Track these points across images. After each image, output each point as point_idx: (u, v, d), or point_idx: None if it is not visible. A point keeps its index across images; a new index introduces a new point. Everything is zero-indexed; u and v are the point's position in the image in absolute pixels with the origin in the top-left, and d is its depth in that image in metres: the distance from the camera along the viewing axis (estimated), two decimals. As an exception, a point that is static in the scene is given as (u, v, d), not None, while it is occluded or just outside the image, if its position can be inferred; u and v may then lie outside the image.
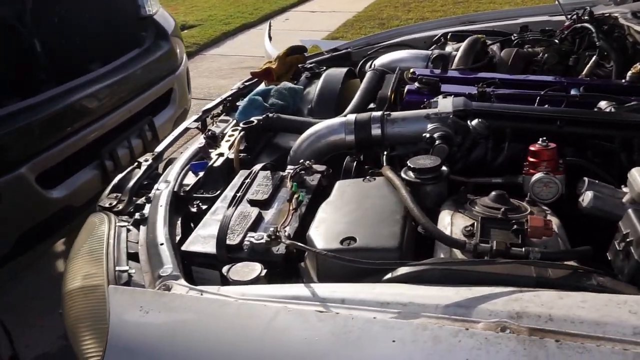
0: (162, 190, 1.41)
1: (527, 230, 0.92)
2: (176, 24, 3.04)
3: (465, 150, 1.32)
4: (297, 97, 1.90)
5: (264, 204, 1.24)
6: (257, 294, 0.91)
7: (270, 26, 4.07)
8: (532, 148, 1.16)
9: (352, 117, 1.44)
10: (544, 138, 1.16)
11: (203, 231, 1.18)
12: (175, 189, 1.41)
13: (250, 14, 7.54)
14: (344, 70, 1.96)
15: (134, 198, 1.44)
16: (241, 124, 1.62)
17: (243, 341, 0.79)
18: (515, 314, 0.74)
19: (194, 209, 1.35)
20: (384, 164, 1.39)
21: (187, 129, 1.89)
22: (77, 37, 2.81)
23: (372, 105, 1.74)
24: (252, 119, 1.64)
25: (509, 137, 1.29)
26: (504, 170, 1.29)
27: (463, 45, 1.91)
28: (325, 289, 0.87)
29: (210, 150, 1.63)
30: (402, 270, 0.89)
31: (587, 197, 1.04)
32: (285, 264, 1.06)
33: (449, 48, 2.21)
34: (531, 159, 1.16)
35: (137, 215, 1.31)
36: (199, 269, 1.14)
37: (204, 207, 1.35)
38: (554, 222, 0.99)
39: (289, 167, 1.36)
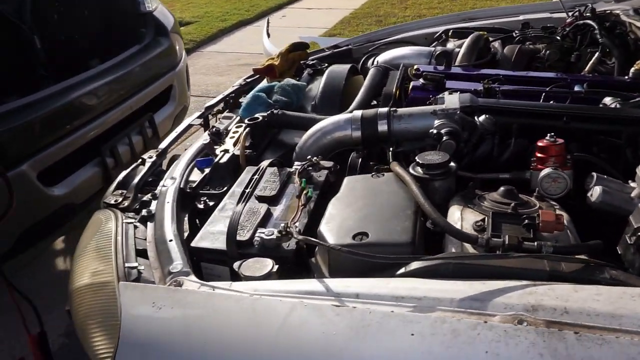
0: (169, 186, 1.40)
1: (538, 225, 0.93)
2: (175, 20, 3.02)
3: (471, 146, 1.33)
4: (301, 93, 1.89)
5: (272, 200, 1.24)
6: (271, 289, 0.91)
7: (268, 23, 4.06)
8: (540, 144, 1.17)
9: (358, 113, 1.44)
10: (552, 134, 1.16)
11: (212, 227, 1.18)
12: (181, 186, 1.40)
13: (246, 11, 7.51)
14: (347, 66, 1.95)
15: (139, 195, 1.44)
16: (246, 121, 1.61)
17: (260, 336, 0.79)
18: (531, 307, 0.74)
19: (201, 206, 1.35)
20: (390, 160, 1.40)
21: (190, 126, 1.89)
22: (77, 33, 2.79)
23: (373, 102, 1.75)
24: (256, 115, 1.64)
25: (516, 133, 1.30)
26: (510, 166, 1.30)
27: (466, 42, 1.92)
28: (339, 284, 0.87)
29: (215, 147, 1.62)
30: (416, 264, 0.89)
31: (595, 192, 1.04)
32: (296, 260, 1.07)
33: (450, 45, 2.21)
34: (539, 155, 1.17)
35: (143, 212, 1.30)
36: (208, 265, 1.14)
37: (211, 203, 1.34)
38: (564, 216, 1.00)
39: (296, 163, 1.36)
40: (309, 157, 1.34)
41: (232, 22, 7.00)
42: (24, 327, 1.38)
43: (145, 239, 1.22)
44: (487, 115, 1.29)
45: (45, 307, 2.28)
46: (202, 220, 1.38)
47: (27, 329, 1.35)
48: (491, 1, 6.94)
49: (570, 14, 2.10)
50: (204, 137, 1.71)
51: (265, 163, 1.36)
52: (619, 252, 0.94)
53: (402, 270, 0.90)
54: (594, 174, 1.07)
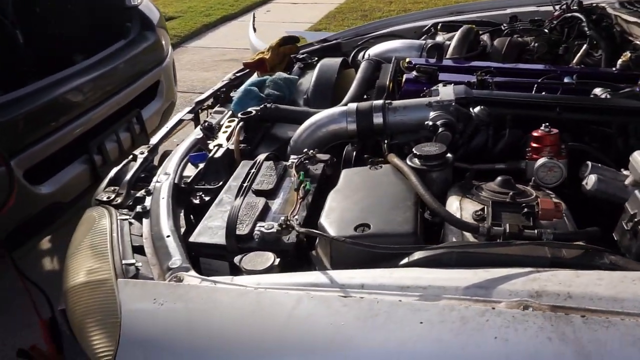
0: (163, 182, 1.38)
1: (538, 213, 0.94)
2: (161, 15, 2.98)
3: (467, 137, 1.34)
4: (293, 87, 1.89)
5: (269, 194, 1.23)
6: (274, 282, 0.90)
7: (254, 18, 4.03)
8: (535, 134, 1.19)
9: (353, 106, 1.44)
10: (547, 124, 1.18)
11: (210, 222, 1.17)
12: (176, 181, 1.39)
13: (230, 6, 7.43)
14: (339, 60, 1.95)
15: (132, 191, 1.42)
16: (239, 115, 1.60)
17: (267, 329, 0.78)
18: (535, 293, 0.75)
19: (196, 201, 1.34)
20: (386, 152, 1.40)
21: (181, 121, 1.86)
22: (61, 28, 2.72)
23: (365, 96, 1.75)
24: (249, 109, 1.63)
25: (510, 123, 1.31)
26: (504, 156, 1.32)
27: (457, 34, 1.93)
28: (343, 275, 0.87)
29: (207, 142, 1.61)
30: (419, 254, 0.90)
31: (590, 181, 1.06)
32: (296, 253, 1.06)
33: (439, 38, 2.22)
34: (534, 145, 1.19)
35: (138, 208, 1.28)
36: (207, 260, 1.13)
37: (207, 198, 1.33)
38: (562, 204, 1.01)
39: (292, 156, 1.35)
40: (305, 150, 1.33)
41: (216, 17, 6.92)
42: (36, 312, 1.36)
43: (141, 236, 1.20)
44: (481, 107, 1.30)
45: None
46: (197, 215, 1.37)
47: (39, 314, 1.34)
48: (475, -5, 6.99)
49: (557, 7, 2.12)
50: (196, 132, 1.69)
51: (261, 157, 1.35)
52: (615, 239, 0.96)
53: (405, 260, 0.91)
54: (589, 162, 1.09)
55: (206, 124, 1.69)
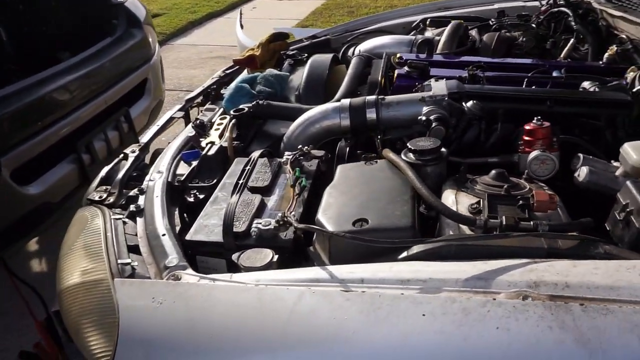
0: (156, 180, 1.37)
1: (533, 205, 0.95)
2: (147, 12, 2.94)
3: (460, 131, 1.35)
4: (284, 83, 1.88)
5: (265, 191, 1.23)
6: (273, 279, 0.90)
7: (241, 14, 4.00)
8: (527, 127, 1.20)
9: (346, 101, 1.44)
10: (539, 117, 1.20)
11: (205, 220, 1.17)
12: (169, 179, 1.37)
13: (216, 2, 7.37)
14: (330, 56, 1.95)
15: (124, 190, 1.40)
16: (232, 112, 1.59)
17: (269, 325, 0.78)
18: (533, 283, 0.77)
19: (191, 199, 1.33)
20: (379, 147, 1.41)
21: (172, 119, 1.85)
22: (45, 25, 2.67)
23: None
24: (242, 106, 1.62)
25: (502, 117, 1.33)
26: (495, 150, 1.34)
27: (447, 30, 1.94)
28: (343, 270, 0.88)
29: (200, 139, 1.59)
30: (418, 248, 0.91)
31: (582, 172, 1.08)
32: (294, 249, 1.06)
33: (428, 33, 2.24)
34: (527, 138, 1.20)
35: (132, 207, 1.27)
36: (204, 258, 1.13)
37: (201, 196, 1.32)
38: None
39: (286, 153, 1.35)
40: (300, 146, 1.33)
41: (202, 13, 6.86)
42: (30, 313, 1.35)
43: (136, 235, 1.19)
44: (474, 101, 1.31)
45: (23, 310, 2.21)
46: (190, 213, 1.36)
47: (34, 316, 1.32)
48: (460, -9, 7.03)
49: (544, 2, 2.15)
50: (187, 130, 1.68)
51: (256, 154, 1.35)
52: (608, 228, 0.98)
53: (404, 254, 0.91)
54: (580, 154, 1.11)
55: (198, 121, 1.68)
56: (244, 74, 2.15)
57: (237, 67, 2.23)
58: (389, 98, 1.42)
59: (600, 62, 1.71)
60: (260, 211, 1.16)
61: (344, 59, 2.16)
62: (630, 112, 1.30)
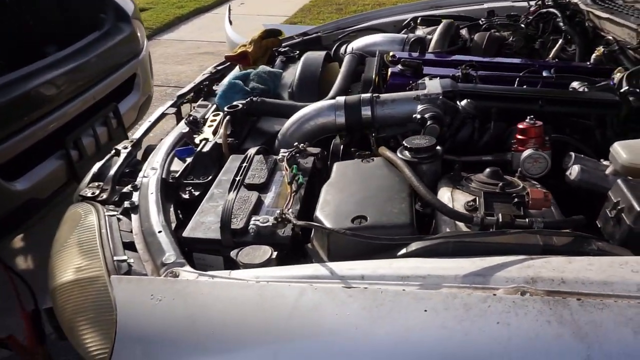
0: (150, 177, 1.36)
1: (528, 203, 0.97)
2: (136, 6, 2.90)
3: (453, 129, 1.37)
4: (278, 80, 1.88)
5: (261, 188, 1.23)
6: (273, 275, 0.91)
7: (229, 10, 3.97)
8: (520, 126, 1.22)
9: (341, 99, 1.45)
10: (532, 116, 1.22)
11: (202, 217, 1.16)
12: (163, 176, 1.36)
13: (203, -2, 7.30)
14: (323, 53, 1.95)
15: (117, 187, 1.39)
16: (226, 109, 1.58)
17: (271, 322, 0.79)
18: (531, 279, 0.78)
19: (186, 196, 1.32)
20: (374, 145, 1.42)
21: (164, 115, 1.83)
22: (31, 18, 2.62)
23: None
24: (236, 103, 1.61)
25: (495, 116, 1.35)
26: (488, 148, 1.36)
27: (438, 29, 1.96)
28: (343, 267, 0.88)
29: (193, 136, 1.59)
30: (416, 244, 0.92)
31: (574, 171, 1.11)
32: (292, 246, 1.07)
33: (419, 32, 2.25)
34: (520, 137, 1.22)
35: (126, 204, 1.26)
36: (201, 255, 1.13)
37: (197, 193, 1.32)
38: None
39: (282, 150, 1.35)
40: (296, 143, 1.33)
41: (189, 9, 6.79)
42: (19, 304, 1.33)
43: (131, 232, 1.18)
44: (468, 100, 1.33)
45: (11, 308, 2.18)
46: (185, 210, 1.35)
47: (22, 306, 1.31)
48: (447, -10, 7.09)
49: (532, 2, 2.19)
50: (180, 126, 1.66)
51: (252, 150, 1.35)
52: (599, 226, 1.00)
53: (403, 251, 0.92)
54: (572, 153, 1.14)
55: (191, 117, 1.66)
56: (236, 71, 2.14)
57: (229, 63, 2.22)
58: (384, 96, 1.43)
59: (588, 63, 1.75)
60: (257, 208, 1.16)
61: (336, 56, 2.16)
62: (619, 112, 1.33)
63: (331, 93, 1.68)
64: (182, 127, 1.64)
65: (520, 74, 1.54)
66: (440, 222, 1.05)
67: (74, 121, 2.28)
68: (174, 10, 6.70)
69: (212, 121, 1.66)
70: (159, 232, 1.13)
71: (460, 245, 0.89)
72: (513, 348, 0.67)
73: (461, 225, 1.00)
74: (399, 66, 1.65)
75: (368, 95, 1.43)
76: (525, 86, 1.51)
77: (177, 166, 1.44)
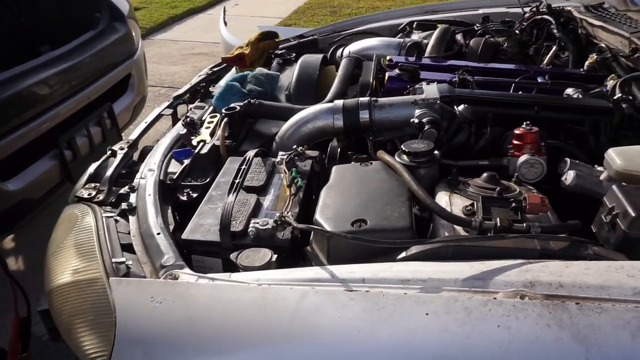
0: (147, 178, 1.36)
1: (525, 207, 0.99)
2: (131, 5, 2.89)
3: (450, 134, 1.38)
4: (275, 83, 1.88)
5: (260, 191, 1.24)
6: (273, 278, 0.91)
7: (224, 11, 3.97)
8: (517, 131, 1.24)
9: (339, 102, 1.46)
10: (528, 122, 1.24)
11: (201, 220, 1.16)
12: (161, 178, 1.36)
13: (197, -2, 7.28)
14: (320, 56, 1.96)
15: (114, 188, 1.38)
16: (223, 110, 1.58)
17: (273, 325, 0.79)
18: (529, 283, 0.80)
19: (184, 197, 1.32)
20: (371, 149, 1.43)
21: (160, 116, 1.83)
22: (24, 16, 2.59)
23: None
24: (233, 105, 1.61)
25: (491, 121, 1.37)
26: (483, 153, 1.37)
27: (435, 34, 1.98)
28: (344, 270, 0.89)
29: (190, 137, 1.58)
30: (416, 248, 0.93)
31: (570, 176, 1.13)
32: (291, 249, 1.07)
33: (415, 36, 2.27)
34: (516, 142, 1.24)
35: (123, 205, 1.26)
36: (200, 258, 1.13)
37: (195, 195, 1.32)
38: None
39: (280, 153, 1.35)
40: (295, 146, 1.34)
41: (183, 9, 6.77)
42: (15, 308, 1.32)
43: (129, 233, 1.18)
44: (465, 105, 1.34)
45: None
46: (182, 212, 1.35)
47: (17, 311, 1.30)
48: (441, -5, 7.15)
49: (526, 9, 2.22)
50: (178, 128, 1.66)
51: (251, 153, 1.35)
52: (594, 230, 1.02)
53: (403, 255, 0.93)
54: (567, 159, 1.15)
55: (188, 119, 1.66)
56: (233, 72, 2.14)
57: (225, 64, 2.22)
58: (382, 100, 1.44)
59: (581, 70, 1.78)
60: (256, 211, 1.16)
61: (332, 59, 2.17)
62: (612, 119, 1.36)
63: (329, 96, 1.69)
64: (179, 129, 1.63)
65: (516, 80, 1.56)
66: (438, 226, 1.06)
67: (68, 121, 2.27)
68: (168, 10, 6.67)
69: (209, 123, 1.66)
70: (158, 234, 1.13)
71: (460, 249, 0.91)
72: (514, 351, 0.69)
73: (459, 229, 1.02)
74: (396, 70, 1.67)
75: (366, 99, 1.44)
76: (520, 92, 1.53)
77: (175, 168, 1.43)
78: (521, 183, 1.18)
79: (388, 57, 1.81)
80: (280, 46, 2.33)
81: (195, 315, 0.85)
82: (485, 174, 1.15)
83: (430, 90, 1.40)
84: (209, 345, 0.82)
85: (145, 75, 2.95)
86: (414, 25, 2.37)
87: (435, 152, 1.23)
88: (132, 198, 1.29)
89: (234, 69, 2.17)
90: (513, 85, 1.55)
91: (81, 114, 2.35)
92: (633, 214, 0.90)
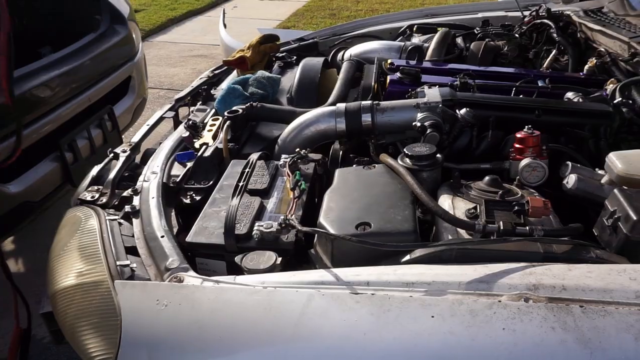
0: (150, 181, 1.36)
1: (528, 211, 1.00)
2: (131, 8, 2.90)
3: (452, 138, 1.39)
4: (277, 86, 1.89)
5: (263, 193, 1.24)
6: (278, 281, 0.92)
7: (224, 14, 3.98)
8: (518, 135, 1.25)
9: (342, 105, 1.47)
10: (529, 126, 1.25)
11: (205, 222, 1.17)
12: (164, 180, 1.37)
13: (196, 0, 7.29)
14: (321, 60, 1.97)
15: (117, 190, 1.39)
16: (226, 113, 1.59)
17: (279, 327, 0.80)
18: (533, 286, 0.80)
19: (187, 200, 1.32)
20: (373, 152, 1.44)
21: (162, 118, 1.83)
22: (25, 19, 2.60)
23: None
24: (236, 108, 1.62)
25: (493, 125, 1.38)
26: (484, 156, 1.38)
27: (436, 37, 1.99)
28: (348, 273, 0.90)
29: (193, 140, 1.59)
30: (420, 251, 0.93)
31: (571, 180, 1.14)
32: (295, 251, 1.08)
33: (415, 40, 2.29)
34: (518, 145, 1.25)
35: (127, 208, 1.26)
36: (204, 260, 1.13)
37: (198, 198, 1.32)
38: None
39: (283, 155, 1.36)
40: (298, 149, 1.35)
41: (182, 11, 6.77)
42: (15, 318, 1.32)
43: (133, 236, 1.18)
44: (467, 109, 1.35)
45: None
46: (185, 214, 1.36)
47: (18, 321, 1.30)
48: (439, -3, 7.18)
49: (526, 13, 2.23)
50: (180, 130, 1.67)
51: (254, 156, 1.36)
52: (595, 234, 1.03)
53: (407, 258, 0.94)
54: (569, 163, 1.16)
55: (190, 122, 1.67)
56: (234, 75, 2.15)
57: (226, 67, 2.23)
58: (384, 103, 1.45)
59: (581, 73, 1.79)
60: (260, 214, 1.17)
61: (333, 62, 2.18)
62: (612, 123, 1.37)
63: (330, 99, 1.70)
64: (182, 131, 1.64)
65: (517, 84, 1.57)
66: (441, 229, 1.07)
67: (69, 123, 2.27)
68: (167, 12, 6.68)
69: (211, 126, 1.66)
70: (162, 236, 1.13)
71: (463, 252, 0.91)
72: (519, 354, 0.69)
73: (462, 232, 1.02)
74: (398, 74, 1.68)
75: (368, 102, 1.45)
76: (521, 96, 1.55)
77: (178, 170, 1.44)
78: (523, 186, 1.19)
79: (389, 61, 1.82)
80: (282, 49, 2.34)
81: (201, 318, 0.86)
82: (487, 177, 1.16)
83: (432, 94, 1.41)
84: (215, 349, 0.82)
85: (145, 77, 2.96)
86: (414, 29, 2.38)
87: (438, 155, 1.24)
88: (136, 201, 1.30)
89: (235, 71, 2.18)
90: (514, 89, 1.56)
91: (82, 117, 2.35)
92: (635, 218, 0.91)
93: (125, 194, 1.34)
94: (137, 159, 1.61)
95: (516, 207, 1.01)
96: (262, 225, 1.09)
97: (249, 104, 1.63)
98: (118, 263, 1.06)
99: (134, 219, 1.24)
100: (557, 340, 0.69)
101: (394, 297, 0.78)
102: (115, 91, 2.62)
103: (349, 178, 1.21)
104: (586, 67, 1.77)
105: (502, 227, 0.96)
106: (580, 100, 1.47)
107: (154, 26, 6.15)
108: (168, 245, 1.10)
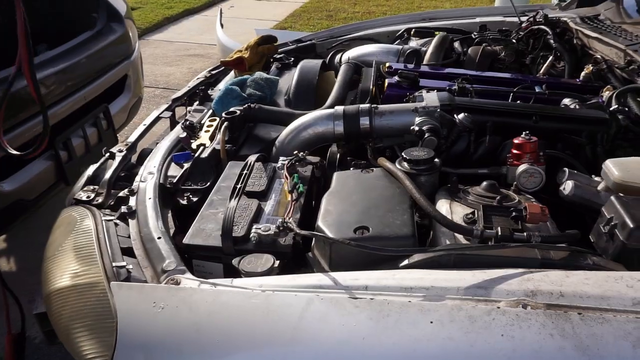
0: (147, 182, 1.36)
1: (525, 217, 1.00)
2: (128, 6, 2.88)
3: (450, 142, 1.40)
4: (274, 87, 1.89)
5: (261, 196, 1.24)
6: (276, 284, 0.91)
7: (221, 13, 3.96)
8: (516, 141, 1.26)
9: (340, 108, 1.47)
10: (527, 132, 1.25)
11: (202, 224, 1.16)
12: (161, 181, 1.36)
13: (193, -1, 7.27)
14: (319, 61, 1.97)
15: (113, 190, 1.38)
16: (223, 115, 1.58)
17: (277, 331, 0.79)
18: (530, 292, 0.81)
19: (184, 201, 1.32)
20: (371, 155, 1.44)
21: (159, 118, 1.82)
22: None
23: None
24: (233, 109, 1.61)
25: (490, 130, 1.38)
26: (481, 161, 1.39)
27: (434, 41, 2.00)
28: (347, 277, 0.89)
29: (190, 141, 1.58)
30: (418, 256, 0.93)
31: (568, 186, 1.14)
32: (293, 255, 1.08)
33: (412, 43, 2.29)
34: (515, 151, 1.26)
35: (123, 209, 1.25)
36: (200, 262, 1.12)
37: (195, 199, 1.32)
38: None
39: (281, 158, 1.36)
40: (295, 152, 1.34)
41: (178, 10, 6.75)
42: (7, 324, 1.30)
43: (129, 237, 1.17)
44: (465, 114, 1.36)
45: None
46: (182, 216, 1.35)
47: (9, 327, 1.28)
48: (436, 1, 7.21)
49: (523, 18, 2.25)
50: (177, 131, 1.66)
51: (252, 158, 1.35)
52: (592, 240, 1.04)
53: (405, 262, 0.94)
54: (566, 169, 1.17)
55: (187, 122, 1.66)
56: (231, 76, 2.14)
57: (223, 68, 2.22)
58: (382, 107, 1.45)
59: (577, 80, 1.80)
60: (257, 216, 1.16)
61: (330, 65, 2.18)
62: (609, 130, 1.38)
63: (328, 102, 1.70)
64: (179, 132, 1.63)
65: (514, 89, 1.58)
66: (439, 233, 1.07)
67: (64, 121, 2.25)
68: (163, 10, 6.65)
69: (208, 126, 1.66)
70: (158, 238, 1.13)
71: (462, 258, 0.91)
72: (517, 360, 0.69)
73: (460, 237, 1.03)
74: (396, 77, 1.68)
75: (367, 105, 1.45)
76: (518, 101, 1.55)
77: (174, 171, 1.43)
78: (520, 192, 1.19)
79: (387, 64, 1.82)
80: (280, 50, 2.33)
81: (198, 321, 0.85)
82: (485, 183, 1.16)
83: (431, 98, 1.42)
84: (212, 352, 0.82)
85: (141, 76, 2.94)
86: (412, 32, 2.39)
87: (436, 160, 1.25)
88: (132, 201, 1.29)
89: (232, 72, 2.17)
90: (511, 94, 1.57)
91: (77, 115, 2.33)
92: (631, 225, 0.91)
93: (121, 194, 1.33)
94: (134, 159, 1.60)
95: (514, 213, 1.02)
96: (259, 228, 1.09)
97: (246, 105, 1.63)
98: (114, 264, 1.05)
99: (130, 220, 1.23)
100: (556, 347, 0.69)
101: (393, 302, 0.78)
102: (111, 89, 2.60)
103: (348, 181, 1.21)
104: (582, 73, 1.79)
105: (500, 233, 0.96)
106: (577, 106, 1.48)
107: (150, 24, 6.12)
108: (165, 247, 1.09)
